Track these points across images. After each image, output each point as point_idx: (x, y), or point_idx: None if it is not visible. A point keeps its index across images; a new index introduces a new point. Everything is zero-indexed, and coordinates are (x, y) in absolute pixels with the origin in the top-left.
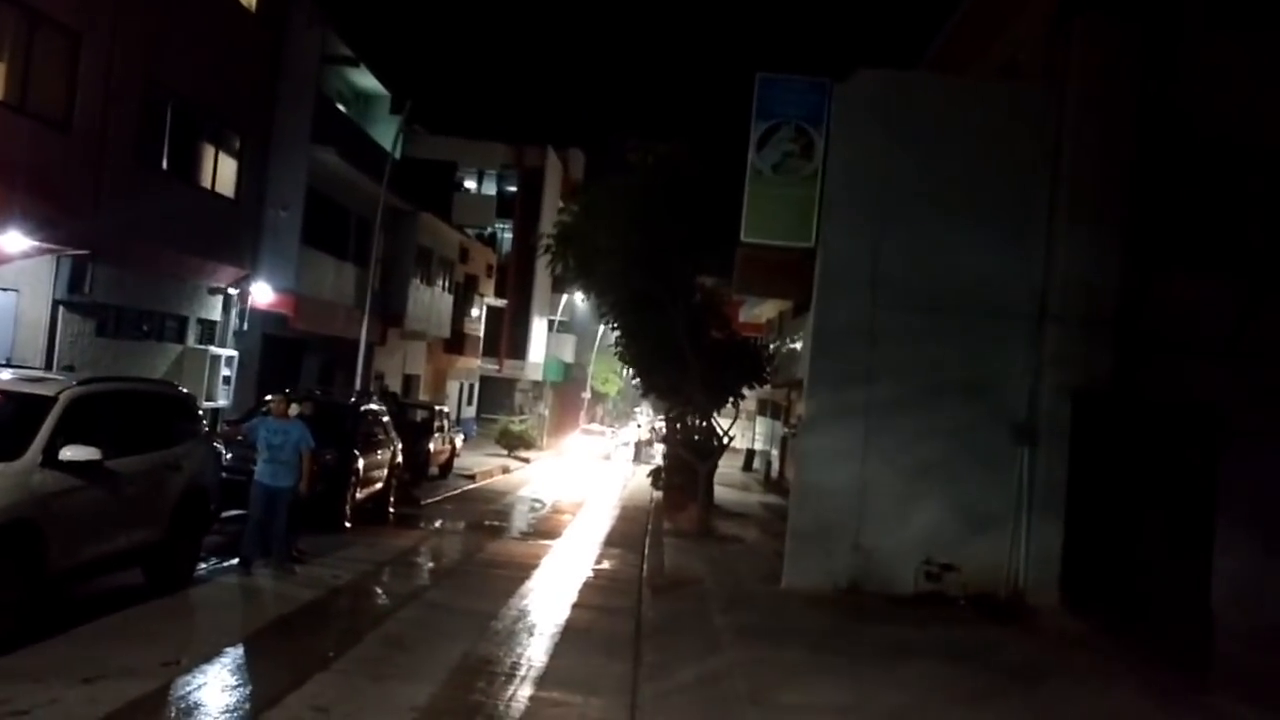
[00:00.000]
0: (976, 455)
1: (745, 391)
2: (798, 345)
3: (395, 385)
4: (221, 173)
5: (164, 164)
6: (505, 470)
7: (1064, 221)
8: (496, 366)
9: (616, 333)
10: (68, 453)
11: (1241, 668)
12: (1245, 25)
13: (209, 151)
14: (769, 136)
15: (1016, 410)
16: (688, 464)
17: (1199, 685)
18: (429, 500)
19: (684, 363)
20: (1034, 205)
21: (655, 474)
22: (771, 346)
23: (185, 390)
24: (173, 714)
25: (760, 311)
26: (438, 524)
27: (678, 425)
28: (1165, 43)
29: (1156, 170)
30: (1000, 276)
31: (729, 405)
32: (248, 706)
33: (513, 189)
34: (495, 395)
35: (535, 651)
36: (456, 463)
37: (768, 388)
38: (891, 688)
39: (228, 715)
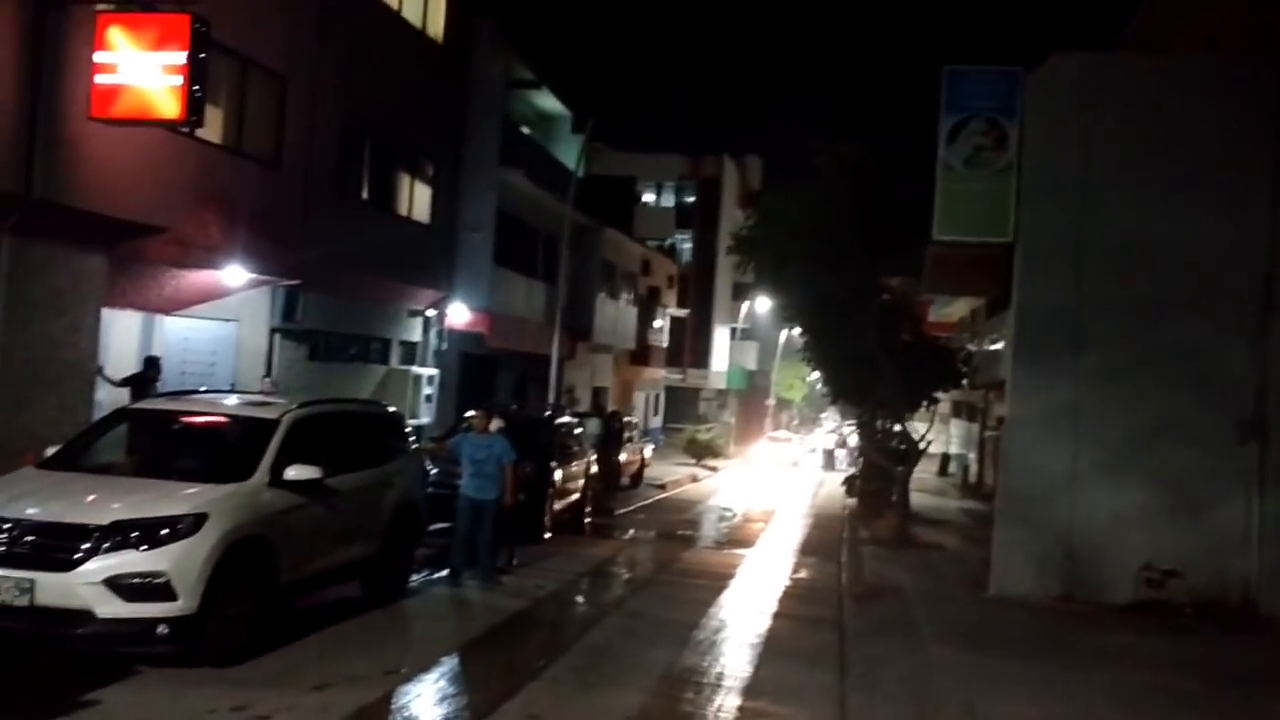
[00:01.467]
0: (1200, 452)
1: (940, 395)
2: (996, 346)
3: (585, 397)
4: (417, 200)
5: (364, 194)
6: (694, 479)
7: None
8: (680, 376)
9: (803, 337)
10: (291, 472)
11: None
12: None
13: (405, 180)
14: (959, 130)
15: (1243, 404)
16: (882, 470)
17: None
18: (622, 510)
19: (874, 366)
20: (1254, 181)
21: (849, 481)
22: (969, 347)
23: (393, 409)
24: None
25: (951, 310)
26: (632, 533)
27: (870, 429)
28: None
29: None
30: (1218, 260)
31: (924, 408)
32: (466, 715)
33: (691, 199)
34: (680, 405)
35: (739, 661)
36: (646, 473)
37: (965, 389)
38: (1114, 702)
39: None
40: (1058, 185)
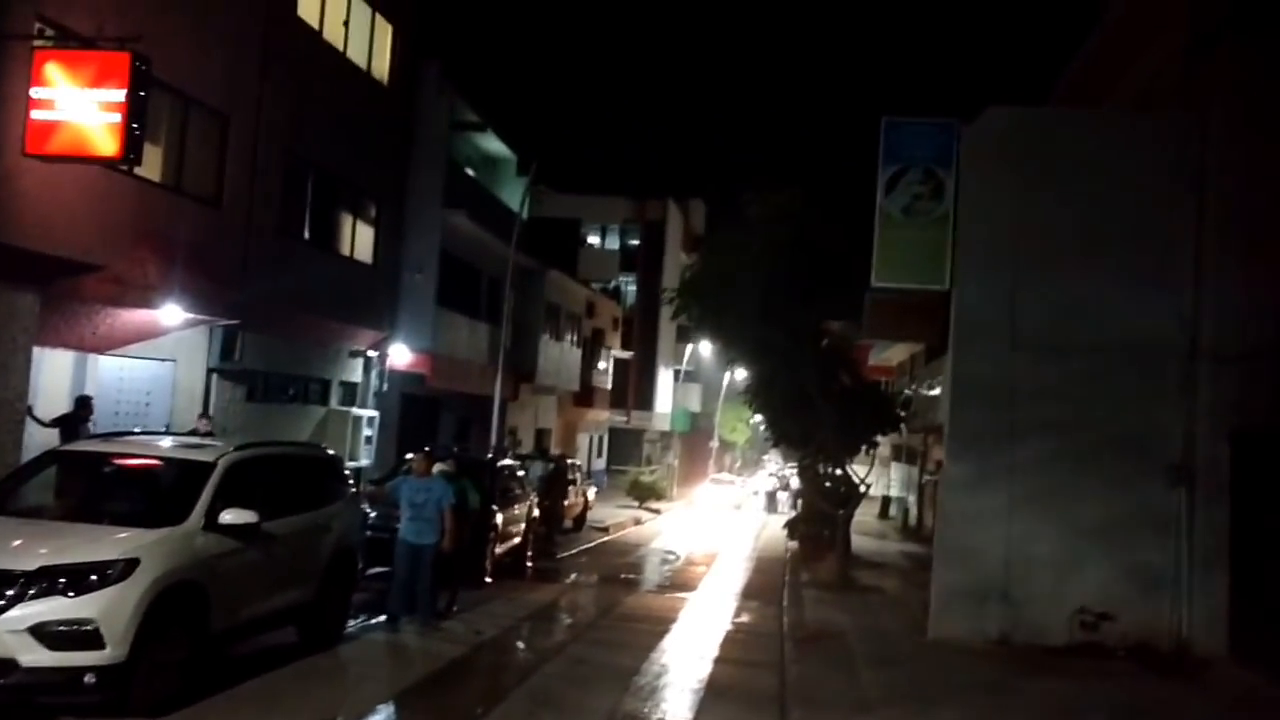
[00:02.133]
0: (1130, 501)
1: (879, 438)
2: (934, 391)
3: (528, 439)
4: (359, 240)
5: (306, 234)
6: (637, 522)
7: (1213, 252)
8: (625, 418)
9: (745, 381)
10: (227, 516)
11: None
12: None
13: (347, 220)
14: (897, 180)
15: (1170, 453)
16: (823, 513)
17: None
18: (565, 554)
19: (815, 410)
20: (1179, 237)
21: (791, 524)
22: (906, 392)
23: (331, 452)
24: None
25: (890, 355)
26: (574, 577)
27: (812, 473)
28: None
29: None
30: (1146, 313)
31: (864, 452)
32: None
33: (635, 242)
34: (624, 446)
35: (681, 708)
36: (589, 515)
37: (903, 433)
38: None
39: None
40: (992, 235)
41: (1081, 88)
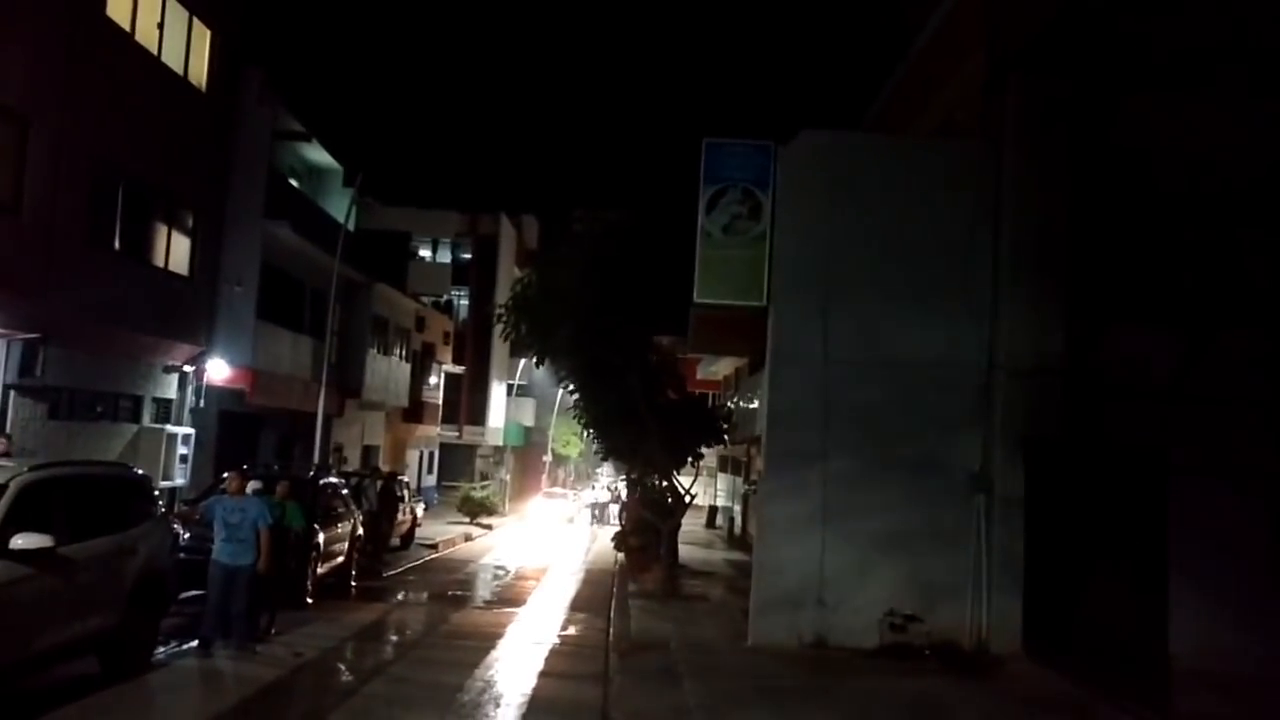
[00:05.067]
0: (935, 507)
1: (704, 449)
2: (754, 405)
3: (355, 456)
4: (175, 251)
5: (116, 244)
6: (468, 538)
7: (1008, 276)
8: (456, 433)
9: (575, 396)
10: (19, 541)
11: (1198, 709)
12: (1166, 85)
13: (162, 230)
14: (718, 199)
15: (971, 464)
16: (650, 524)
17: None
18: (391, 572)
19: (642, 424)
20: (978, 260)
21: (620, 536)
22: (729, 404)
23: (140, 471)
24: None
25: (717, 369)
26: (400, 596)
27: (639, 486)
28: (1096, 100)
29: (1096, 223)
30: (948, 331)
31: (689, 464)
32: None
33: (467, 256)
34: (456, 462)
35: None
36: (418, 532)
37: (727, 445)
38: None
39: None
40: (805, 253)
41: (891, 115)
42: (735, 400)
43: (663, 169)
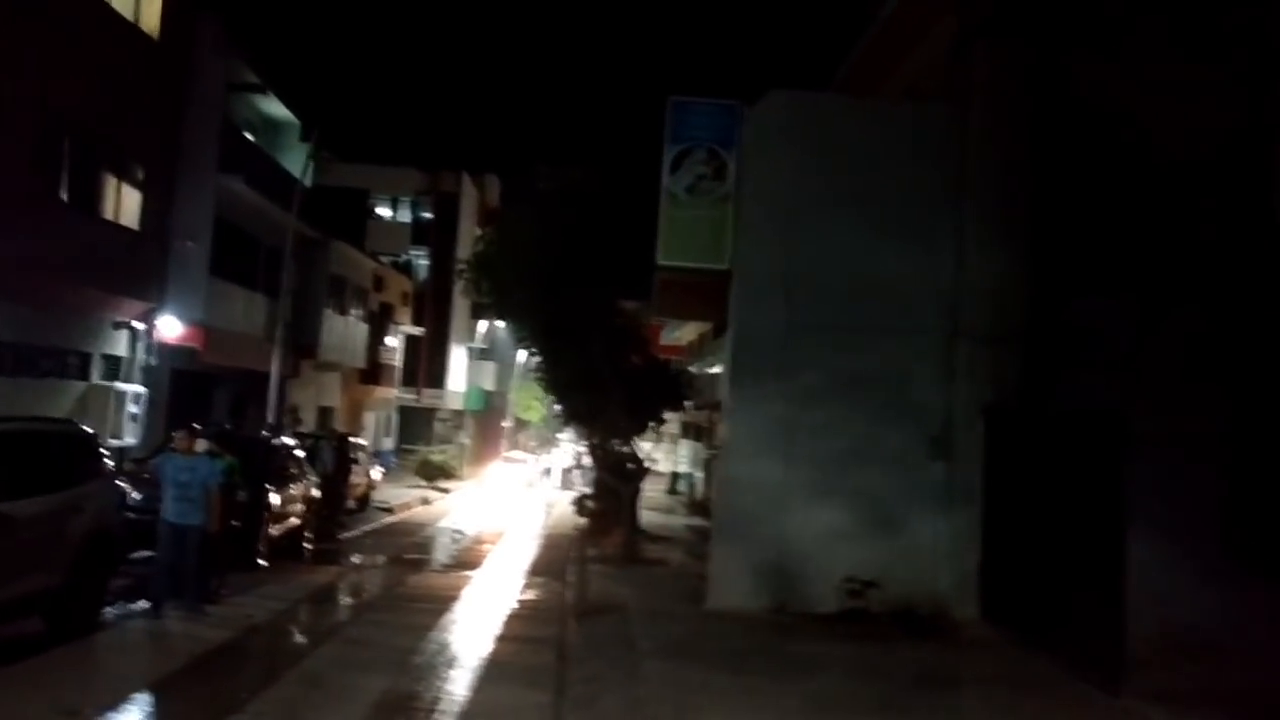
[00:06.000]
0: (895, 471)
1: (667, 415)
2: (717, 369)
3: (310, 418)
4: (125, 204)
5: (63, 195)
6: (425, 501)
7: (972, 239)
8: (415, 396)
9: (537, 359)
10: None
11: (1153, 672)
12: (1125, 50)
13: (111, 182)
14: (682, 160)
15: (932, 426)
16: (612, 489)
17: (1111, 691)
18: (347, 535)
19: (604, 388)
20: (942, 223)
21: (580, 501)
22: (692, 369)
23: (87, 428)
24: None
25: (681, 334)
26: (356, 559)
27: (600, 450)
28: (1060, 67)
29: (1060, 191)
30: (913, 293)
31: (651, 429)
32: None
33: (428, 215)
34: (415, 426)
35: (457, 685)
36: (375, 496)
37: (690, 411)
38: (814, 707)
39: None
40: (770, 215)
41: (857, 78)
42: (698, 366)
43: (627, 127)
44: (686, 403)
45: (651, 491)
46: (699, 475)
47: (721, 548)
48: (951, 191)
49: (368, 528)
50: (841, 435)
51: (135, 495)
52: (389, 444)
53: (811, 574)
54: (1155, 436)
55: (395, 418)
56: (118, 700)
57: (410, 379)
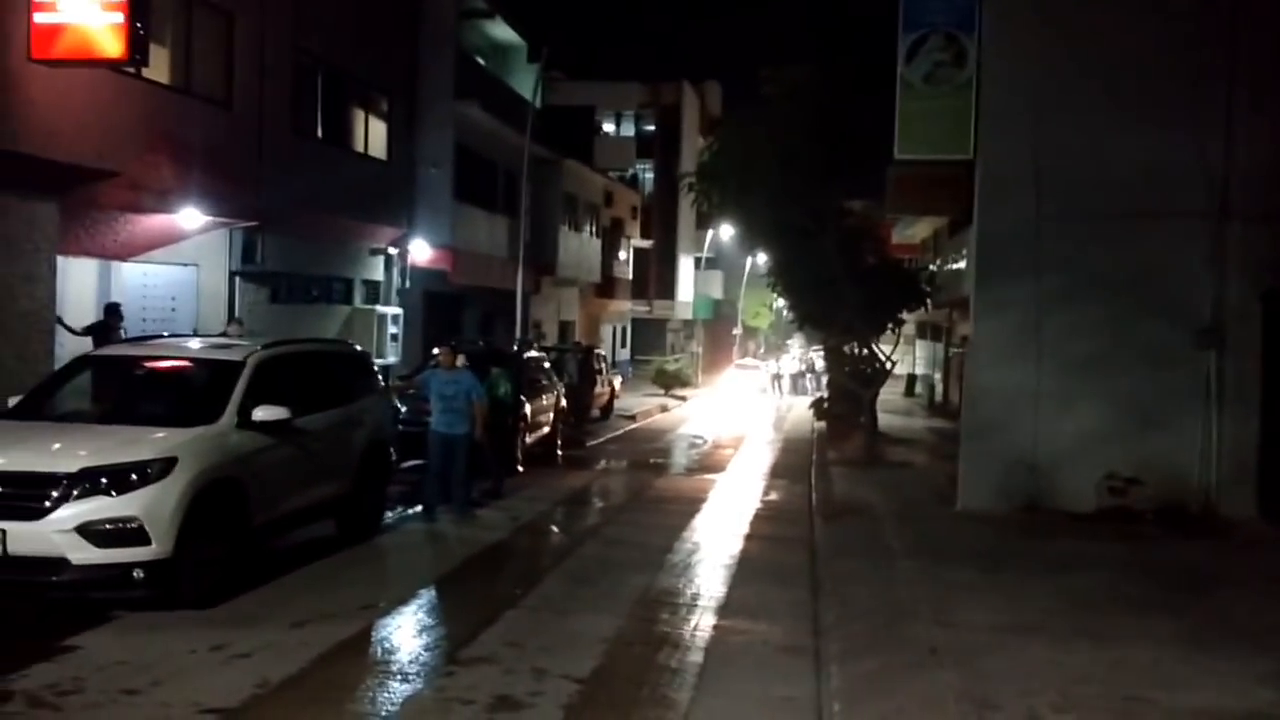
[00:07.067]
0: (1158, 363)
1: (904, 315)
2: (959, 265)
3: (552, 331)
4: (373, 136)
5: (319, 131)
6: (664, 409)
7: (1244, 108)
8: (647, 308)
9: (767, 265)
10: (259, 413)
11: None
12: None
13: (359, 116)
14: (918, 47)
15: (1199, 313)
16: (850, 392)
17: None
18: (594, 441)
19: (839, 290)
20: (1210, 91)
21: (817, 404)
22: (930, 267)
23: (359, 348)
24: (378, 653)
25: (914, 232)
26: (604, 464)
27: (837, 354)
28: None
29: None
30: (1175, 171)
31: (888, 330)
32: (445, 644)
33: (651, 128)
34: (647, 336)
35: (713, 583)
36: (616, 404)
37: (926, 310)
38: (1075, 606)
39: (427, 653)
40: (1016, 102)
41: None
42: (937, 263)
43: (855, 17)
44: (927, 302)
45: (888, 394)
46: (938, 376)
47: (970, 448)
48: (1221, 53)
49: (612, 434)
50: (1097, 330)
51: (404, 409)
52: (624, 355)
53: (1066, 473)
54: None
55: (629, 329)
56: (408, 595)
57: (641, 291)
